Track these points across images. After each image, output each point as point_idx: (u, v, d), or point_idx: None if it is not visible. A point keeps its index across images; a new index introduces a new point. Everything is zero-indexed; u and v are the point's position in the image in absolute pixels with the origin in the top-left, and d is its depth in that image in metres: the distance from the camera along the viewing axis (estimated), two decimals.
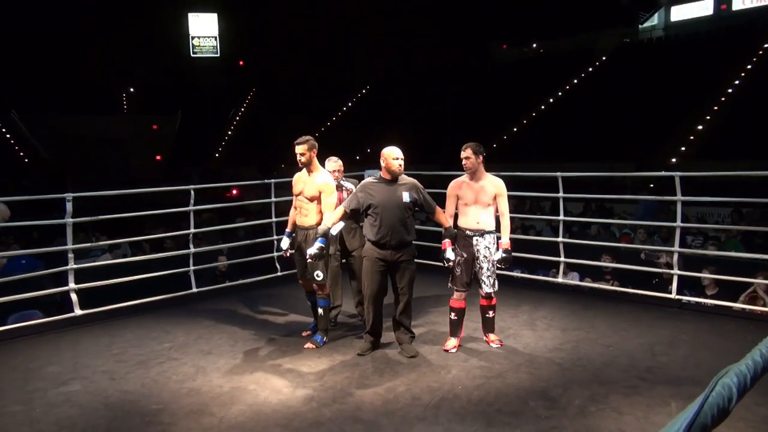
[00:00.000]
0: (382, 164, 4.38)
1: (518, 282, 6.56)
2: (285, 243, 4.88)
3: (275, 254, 6.75)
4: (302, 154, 4.54)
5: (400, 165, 4.34)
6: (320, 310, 4.72)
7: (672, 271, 5.51)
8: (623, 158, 15.41)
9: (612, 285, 6.26)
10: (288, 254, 4.93)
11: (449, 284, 4.54)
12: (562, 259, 6.18)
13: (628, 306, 5.55)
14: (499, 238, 4.46)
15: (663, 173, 5.68)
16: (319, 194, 4.57)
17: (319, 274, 4.58)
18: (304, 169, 4.66)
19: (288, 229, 4.88)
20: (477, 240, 4.41)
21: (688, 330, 4.85)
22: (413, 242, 4.48)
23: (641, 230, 7.50)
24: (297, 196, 4.69)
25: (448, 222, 4.45)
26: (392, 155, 4.36)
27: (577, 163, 13.69)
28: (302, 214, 4.65)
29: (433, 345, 4.60)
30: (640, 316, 5.22)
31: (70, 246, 5.25)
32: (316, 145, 4.62)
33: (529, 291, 6.13)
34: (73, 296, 5.27)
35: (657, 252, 6.61)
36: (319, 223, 4.59)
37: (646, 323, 5.04)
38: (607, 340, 4.64)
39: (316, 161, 4.63)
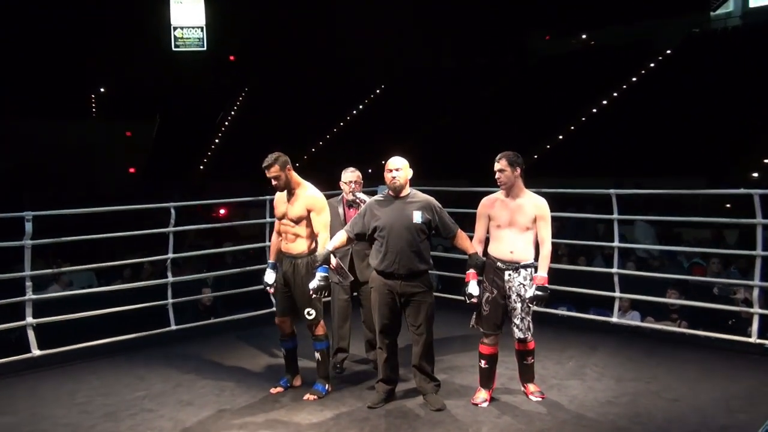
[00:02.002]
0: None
1: (564, 322, 6.54)
2: (270, 277, 4.85)
3: None
4: (277, 177, 4.55)
5: (394, 178, 4.38)
6: (317, 355, 4.74)
7: (752, 310, 5.48)
8: (692, 172, 15.32)
9: (679, 326, 6.22)
10: (273, 290, 4.89)
11: (472, 324, 4.54)
12: (617, 294, 6.16)
13: (698, 352, 5.52)
14: (536, 270, 4.45)
15: (741, 191, 5.68)
16: (308, 213, 4.60)
17: (311, 312, 4.61)
18: None
19: (271, 260, 4.89)
20: (510, 275, 4.41)
21: None
22: (429, 271, 4.51)
23: (714, 260, 7.46)
24: (280, 219, 4.72)
25: (474, 248, 4.47)
26: (387, 166, 4.43)
27: (635, 178, 13.64)
28: (288, 240, 4.68)
29: (459, 397, 4.60)
30: (713, 365, 5.19)
31: (28, 273, 5.36)
32: (289, 160, 4.62)
33: (578, 333, 6.12)
34: (31, 333, 5.36)
35: (733, 286, 6.56)
36: (311, 250, 4.63)
37: (721, 373, 5.00)
38: (673, 393, 4.61)
39: (295, 177, 4.66)
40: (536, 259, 4.46)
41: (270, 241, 6.73)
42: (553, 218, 4.59)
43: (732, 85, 18.77)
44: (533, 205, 4.43)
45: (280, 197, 4.76)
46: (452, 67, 30.03)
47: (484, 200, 4.57)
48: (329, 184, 5.92)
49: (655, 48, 23.88)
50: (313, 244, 4.65)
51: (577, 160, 18.94)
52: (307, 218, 4.62)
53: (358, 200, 5.10)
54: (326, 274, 4.41)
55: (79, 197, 21.47)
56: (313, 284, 4.40)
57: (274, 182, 4.59)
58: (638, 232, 9.67)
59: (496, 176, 4.43)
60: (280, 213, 4.71)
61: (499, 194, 4.50)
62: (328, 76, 32.38)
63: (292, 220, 4.63)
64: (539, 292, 4.34)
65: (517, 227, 4.41)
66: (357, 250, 5.15)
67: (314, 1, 32.74)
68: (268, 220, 6.77)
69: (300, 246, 4.66)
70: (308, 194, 4.63)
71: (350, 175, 5.21)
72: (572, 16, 27.82)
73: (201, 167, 30.45)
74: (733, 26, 24.77)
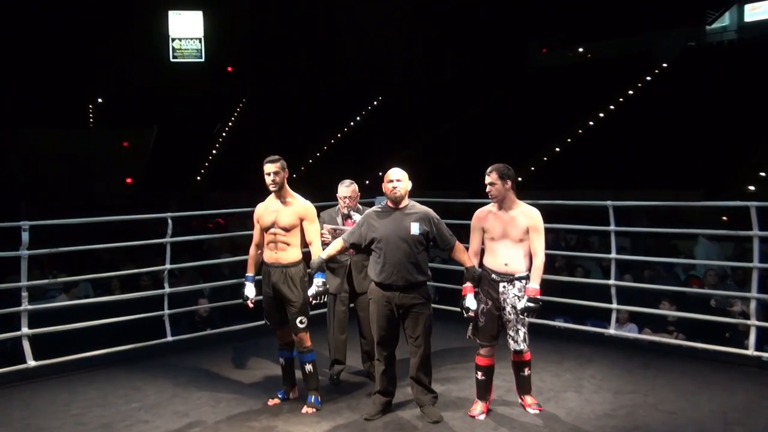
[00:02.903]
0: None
1: (561, 334, 6.55)
2: (250, 290, 4.80)
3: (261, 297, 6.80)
4: (276, 173, 4.57)
5: (394, 188, 4.40)
6: (308, 367, 4.71)
7: (749, 322, 5.49)
8: (689, 185, 15.38)
9: (676, 338, 6.23)
10: (252, 304, 4.85)
11: (469, 335, 4.54)
12: (614, 306, 6.17)
13: (696, 364, 5.52)
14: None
15: (737, 203, 5.71)
16: (300, 221, 4.62)
17: (303, 320, 4.61)
18: (271, 197, 4.71)
19: (250, 273, 4.83)
20: (504, 287, 4.42)
21: None
22: (428, 283, 4.52)
23: (711, 272, 7.47)
24: (267, 229, 4.68)
25: (471, 261, 4.49)
26: (387, 177, 4.45)
27: (632, 190, 13.67)
28: (279, 249, 4.65)
29: (456, 409, 4.60)
30: (711, 377, 5.20)
31: (24, 283, 5.35)
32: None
33: (575, 345, 6.12)
34: (26, 344, 5.35)
35: (730, 298, 6.57)
36: (302, 258, 4.63)
37: (718, 385, 5.01)
38: (670, 406, 4.61)
39: (287, 186, 4.70)
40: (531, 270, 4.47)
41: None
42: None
43: (728, 98, 18.88)
44: (526, 216, 4.43)
45: (264, 207, 4.75)
46: (450, 78, 30.12)
47: (477, 213, 4.58)
48: (328, 196, 5.93)
49: (652, 61, 24.04)
50: (303, 252, 4.68)
51: (574, 172, 18.99)
52: (299, 226, 4.63)
53: (352, 219, 5.09)
54: (324, 280, 4.43)
55: (76, 207, 21.44)
56: (312, 291, 4.42)
57: (272, 177, 4.57)
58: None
59: (487, 189, 4.44)
60: (268, 222, 4.67)
61: (492, 207, 4.52)
62: (326, 87, 32.47)
63: (283, 229, 4.62)
64: (531, 304, 4.33)
65: (510, 239, 4.42)
66: (355, 261, 5.15)
67: (312, 12, 32.85)
68: None
69: (292, 255, 4.66)
70: (301, 203, 4.67)
71: (345, 190, 5.20)
72: (569, 29, 27.99)
73: (199, 178, 30.47)
74: (728, 40, 24.98)
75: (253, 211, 4.88)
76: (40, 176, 26.36)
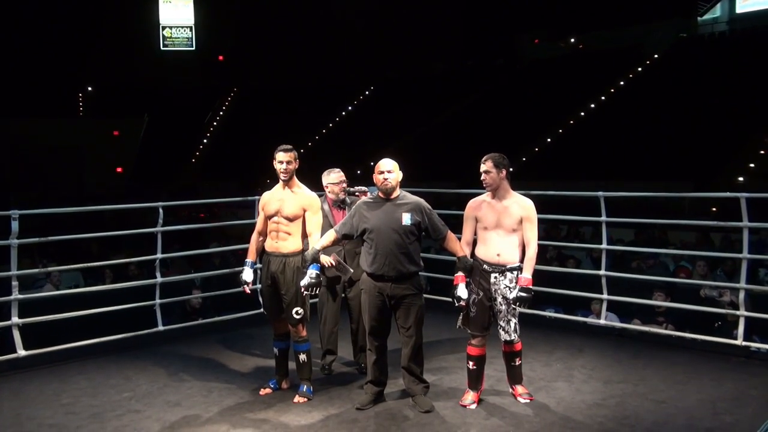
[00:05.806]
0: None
1: (552, 324, 6.57)
2: (248, 275, 4.79)
3: (258, 286, 6.79)
4: (289, 163, 4.58)
5: (386, 179, 4.39)
6: (302, 357, 4.72)
7: (738, 312, 5.52)
8: (679, 176, 15.45)
9: (665, 328, 6.26)
10: (249, 290, 4.85)
11: (459, 324, 4.55)
12: (604, 296, 6.20)
13: (685, 354, 5.56)
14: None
15: (727, 194, 5.74)
16: (303, 212, 4.62)
17: (299, 311, 4.60)
18: (278, 186, 4.71)
19: (250, 259, 4.83)
20: (496, 278, 4.42)
21: (757, 384, 4.84)
22: (420, 273, 4.52)
23: (701, 262, 7.52)
24: (270, 217, 4.69)
25: (463, 251, 4.49)
26: (378, 168, 4.44)
27: (623, 181, 13.71)
28: (280, 238, 4.66)
29: (448, 399, 4.61)
30: (700, 367, 5.23)
31: (14, 272, 5.32)
32: None
33: (565, 335, 6.14)
34: (16, 333, 5.32)
35: (719, 288, 6.62)
36: (302, 249, 4.63)
37: (707, 375, 5.04)
38: (660, 395, 4.64)
39: (295, 176, 4.70)
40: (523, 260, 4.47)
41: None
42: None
43: (719, 90, 18.96)
44: (520, 206, 4.43)
45: (271, 195, 4.75)
46: (442, 69, 30.06)
47: (471, 202, 4.58)
48: (319, 186, 5.91)
49: (643, 53, 24.08)
50: (304, 243, 4.66)
51: (565, 163, 19.04)
52: (302, 216, 4.63)
53: (357, 192, 5.09)
54: (318, 272, 4.41)
55: (66, 196, 21.34)
56: (305, 281, 4.41)
57: (285, 166, 4.57)
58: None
59: (482, 177, 4.44)
60: (272, 210, 4.67)
61: (486, 196, 4.51)
62: (317, 78, 32.36)
63: (286, 218, 4.62)
64: (523, 294, 4.34)
65: (503, 229, 4.42)
66: (348, 249, 5.15)
67: (304, 3, 32.69)
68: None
69: (292, 244, 4.65)
70: (306, 194, 4.67)
71: (338, 176, 5.21)
72: (561, 20, 27.98)
73: (189, 167, 30.38)
74: (719, 32, 25.05)
75: (247, 201, 4.86)
76: (31, 165, 26.18)
